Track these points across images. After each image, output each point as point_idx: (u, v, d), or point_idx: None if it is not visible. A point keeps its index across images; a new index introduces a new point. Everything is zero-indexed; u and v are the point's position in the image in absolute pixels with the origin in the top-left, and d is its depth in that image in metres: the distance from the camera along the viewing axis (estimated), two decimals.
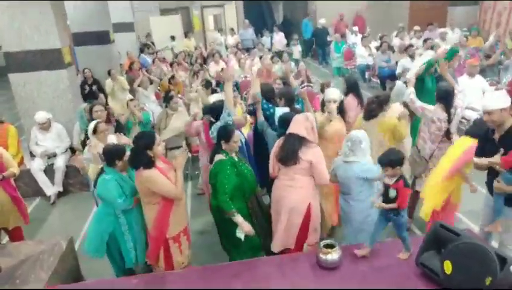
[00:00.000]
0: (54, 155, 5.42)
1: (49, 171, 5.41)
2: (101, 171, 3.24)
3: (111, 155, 3.18)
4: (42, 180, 5.36)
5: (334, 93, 4.01)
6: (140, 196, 3.13)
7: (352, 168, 3.26)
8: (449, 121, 3.81)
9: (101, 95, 6.81)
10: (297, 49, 11.94)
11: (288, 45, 12.39)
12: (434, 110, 3.88)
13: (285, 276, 2.76)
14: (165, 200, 3.05)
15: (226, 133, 3.23)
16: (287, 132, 3.26)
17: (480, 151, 3.02)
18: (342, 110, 4.02)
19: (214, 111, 3.87)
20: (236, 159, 3.27)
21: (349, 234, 3.44)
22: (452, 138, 3.83)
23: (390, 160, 2.72)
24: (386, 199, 2.75)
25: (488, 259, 2.26)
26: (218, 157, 3.21)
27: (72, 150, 5.56)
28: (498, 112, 2.80)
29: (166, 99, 5.36)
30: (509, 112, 2.84)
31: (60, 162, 5.40)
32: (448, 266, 2.43)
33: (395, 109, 4.06)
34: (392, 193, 2.71)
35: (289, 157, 3.17)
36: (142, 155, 3.00)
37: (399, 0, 13.62)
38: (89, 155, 3.79)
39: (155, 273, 3.22)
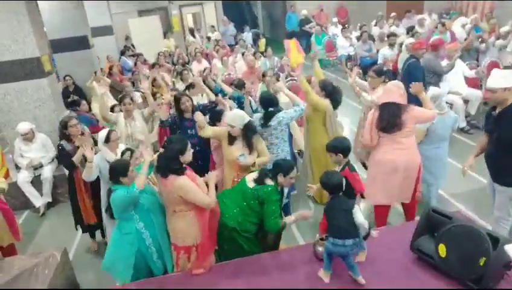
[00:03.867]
0: (41, 166, 5.33)
1: (36, 182, 5.32)
2: (110, 192, 3.02)
3: (113, 173, 3.00)
4: (30, 192, 5.27)
5: (235, 120, 3.55)
6: (169, 205, 2.94)
7: (447, 118, 3.90)
8: None
9: (83, 102, 6.70)
10: (249, 36, 12.63)
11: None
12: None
13: (284, 270, 2.79)
14: (198, 206, 2.91)
15: (285, 168, 3.10)
16: (380, 102, 3.54)
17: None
18: (247, 137, 3.58)
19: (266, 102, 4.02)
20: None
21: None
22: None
23: (333, 146, 2.93)
24: None
25: (481, 240, 2.32)
26: (268, 182, 3.07)
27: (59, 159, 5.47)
28: (501, 90, 2.91)
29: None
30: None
31: (47, 173, 5.31)
32: (442, 249, 2.49)
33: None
34: None
35: (394, 125, 3.41)
36: (174, 161, 2.85)
37: None
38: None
39: (153, 278, 3.19)
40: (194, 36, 12.78)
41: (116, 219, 3.06)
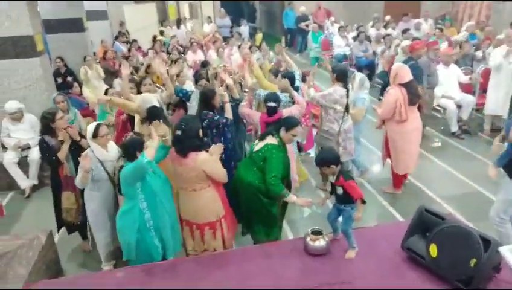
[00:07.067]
0: (28, 147, 5.21)
1: (23, 163, 5.21)
2: (121, 168, 3.01)
3: (132, 148, 2.99)
4: (16, 173, 5.16)
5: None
6: (187, 185, 3.06)
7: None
8: (347, 95, 4.35)
9: (76, 84, 6.58)
10: (245, 30, 12.69)
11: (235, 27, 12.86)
12: (336, 90, 4.27)
13: (273, 264, 2.77)
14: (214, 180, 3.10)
15: (288, 123, 3.30)
16: (404, 81, 4.12)
17: None
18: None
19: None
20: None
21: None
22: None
23: (322, 159, 2.83)
24: (336, 196, 2.85)
25: (472, 241, 2.32)
26: (271, 140, 3.25)
27: None
28: None
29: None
30: None
31: (34, 155, 5.19)
32: (433, 250, 2.49)
33: None
34: (339, 190, 2.78)
35: (418, 96, 4.27)
36: (195, 138, 3.03)
37: None
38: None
39: (137, 266, 3.12)
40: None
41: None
